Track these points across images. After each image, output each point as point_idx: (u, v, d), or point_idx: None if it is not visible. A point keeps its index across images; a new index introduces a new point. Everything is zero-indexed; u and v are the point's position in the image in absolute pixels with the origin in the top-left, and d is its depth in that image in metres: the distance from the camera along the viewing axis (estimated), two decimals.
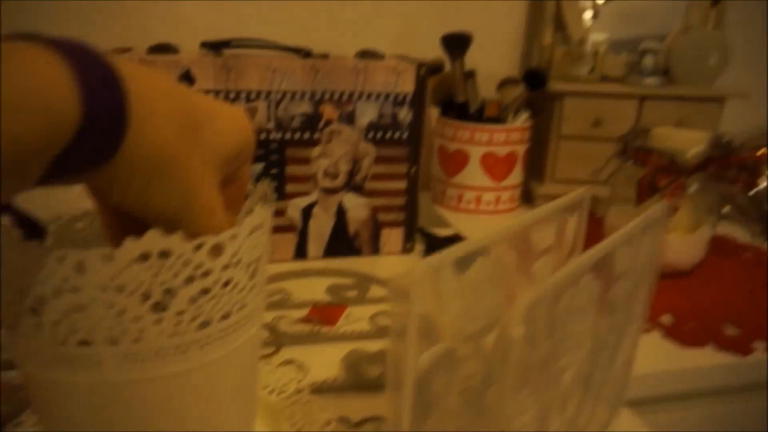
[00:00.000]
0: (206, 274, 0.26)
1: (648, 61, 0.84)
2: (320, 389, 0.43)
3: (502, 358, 0.20)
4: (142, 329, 0.25)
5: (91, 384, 0.26)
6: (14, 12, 0.81)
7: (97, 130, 0.20)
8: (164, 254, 0.25)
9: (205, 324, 0.27)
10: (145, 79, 0.23)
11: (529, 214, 0.30)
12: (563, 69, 0.86)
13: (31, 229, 0.26)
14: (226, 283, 0.27)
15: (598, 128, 0.86)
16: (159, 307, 0.25)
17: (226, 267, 0.27)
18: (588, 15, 0.92)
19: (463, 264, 0.25)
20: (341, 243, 0.69)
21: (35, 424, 0.37)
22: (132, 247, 0.24)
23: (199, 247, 0.25)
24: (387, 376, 0.23)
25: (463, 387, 0.29)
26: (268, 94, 0.62)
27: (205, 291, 0.26)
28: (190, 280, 0.26)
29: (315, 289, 0.60)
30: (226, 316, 0.28)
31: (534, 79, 0.82)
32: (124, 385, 0.26)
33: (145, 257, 0.24)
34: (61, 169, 0.21)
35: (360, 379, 0.44)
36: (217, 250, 0.26)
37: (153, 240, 0.24)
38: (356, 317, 0.55)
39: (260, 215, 0.29)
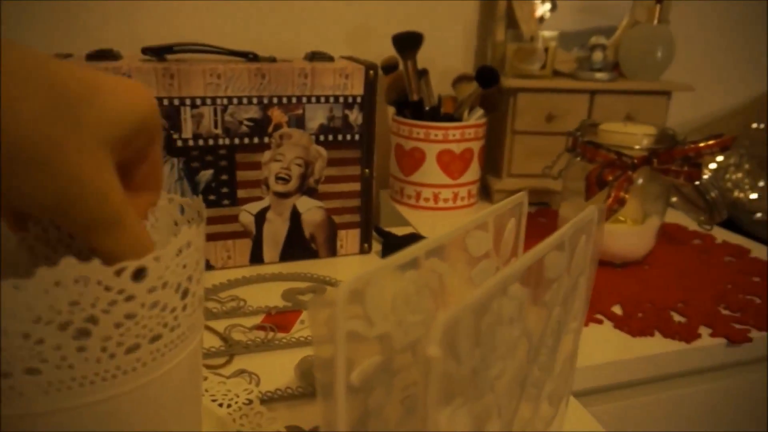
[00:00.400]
0: (130, 298, 0.26)
1: (597, 56, 0.85)
2: (272, 398, 0.43)
3: (423, 376, 0.20)
4: (64, 357, 0.25)
5: (15, 416, 0.25)
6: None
7: None
8: (81, 280, 0.24)
9: (133, 348, 0.26)
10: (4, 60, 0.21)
11: (466, 220, 0.30)
12: (516, 65, 0.87)
13: None
14: (154, 305, 0.27)
15: (552, 123, 0.87)
16: (82, 333, 0.25)
17: (152, 290, 0.26)
18: (547, 8, 0.93)
19: (400, 272, 0.25)
20: (297, 246, 0.68)
21: None
22: (45, 275, 0.23)
23: (119, 272, 0.25)
24: (318, 392, 0.23)
25: (404, 396, 0.29)
26: (214, 99, 0.61)
27: (130, 316, 0.26)
28: (112, 304, 0.25)
29: (270, 295, 0.60)
30: (156, 338, 0.27)
31: (487, 76, 0.83)
32: (50, 415, 0.26)
33: (58, 284, 0.24)
34: None
35: (313, 385, 0.44)
36: (140, 274, 0.26)
37: (68, 268, 0.23)
38: None
39: (187, 235, 0.28)
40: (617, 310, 0.61)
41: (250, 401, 0.40)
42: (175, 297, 0.28)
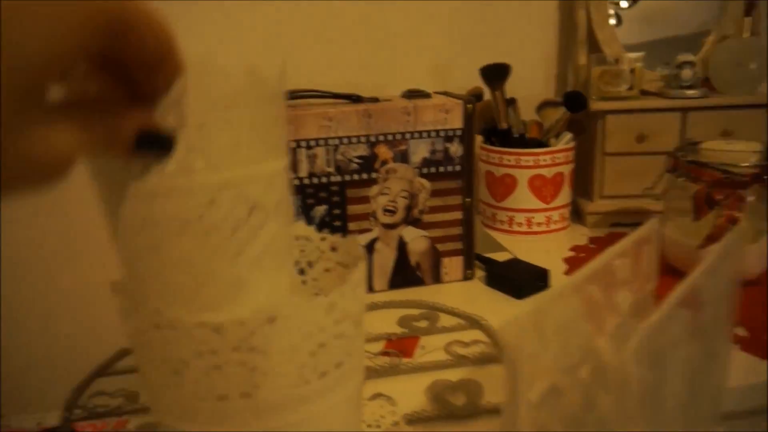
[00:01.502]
0: (322, 330, 0.29)
1: (687, 73, 0.85)
2: (411, 421, 0.45)
3: (619, 393, 0.22)
4: (271, 383, 0.28)
5: None
6: None
7: None
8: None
9: (323, 374, 0.30)
10: None
11: (608, 250, 0.32)
12: (601, 88, 0.88)
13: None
14: (339, 336, 0.30)
15: (643, 143, 0.87)
16: (284, 363, 0.28)
17: (337, 321, 0.30)
18: (611, 22, 0.94)
19: (556, 303, 0.27)
20: (404, 274, 0.72)
21: None
22: (261, 311, 0.27)
23: (315, 308, 0.28)
24: (502, 416, 0.26)
25: (564, 414, 0.31)
26: (327, 140, 0.65)
27: (322, 345, 0.29)
28: (309, 336, 0.29)
29: (386, 322, 0.63)
30: (339, 365, 0.31)
31: (575, 101, 0.84)
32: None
33: (271, 320, 0.27)
34: None
35: (447, 409, 0.47)
36: (330, 308, 0.29)
37: (279, 306, 0.27)
38: (431, 347, 0.57)
39: (361, 270, 0.32)
40: (740, 332, 0.60)
41: (397, 423, 0.43)
42: (353, 327, 0.31)
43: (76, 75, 0.24)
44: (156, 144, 0.25)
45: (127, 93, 0.25)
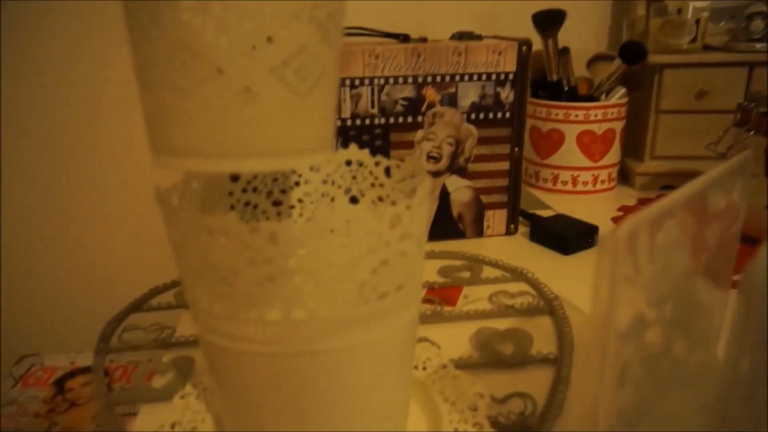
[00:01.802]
0: (387, 244, 0.27)
1: (757, 25, 0.79)
2: (458, 366, 0.43)
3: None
4: (328, 298, 0.26)
5: (279, 354, 0.27)
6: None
7: None
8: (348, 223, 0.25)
9: (383, 295, 0.28)
10: None
11: (702, 177, 0.29)
12: (661, 40, 0.82)
13: None
14: (402, 254, 0.28)
15: (703, 101, 0.81)
16: (344, 277, 0.26)
17: (402, 237, 0.27)
18: None
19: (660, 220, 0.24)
20: (445, 226, 0.69)
21: (200, 395, 0.39)
22: (321, 218, 0.24)
23: (381, 217, 0.26)
24: (590, 339, 0.23)
25: (644, 355, 0.28)
26: (372, 80, 0.62)
27: (384, 262, 0.27)
28: (372, 250, 0.26)
29: (427, 271, 0.60)
30: (400, 288, 0.28)
31: (632, 52, 0.79)
32: (308, 355, 0.27)
33: (333, 230, 0.25)
34: None
35: (494, 356, 0.44)
36: (395, 221, 0.27)
37: (341, 211, 0.25)
38: (474, 297, 0.55)
39: (426, 186, 0.29)
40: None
41: (444, 365, 0.40)
42: (416, 247, 0.29)
43: None
44: None
45: None
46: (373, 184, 0.37)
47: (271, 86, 0.24)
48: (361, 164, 0.37)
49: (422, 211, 0.29)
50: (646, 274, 0.25)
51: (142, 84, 0.26)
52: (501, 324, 0.50)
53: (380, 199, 0.37)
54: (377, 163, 0.37)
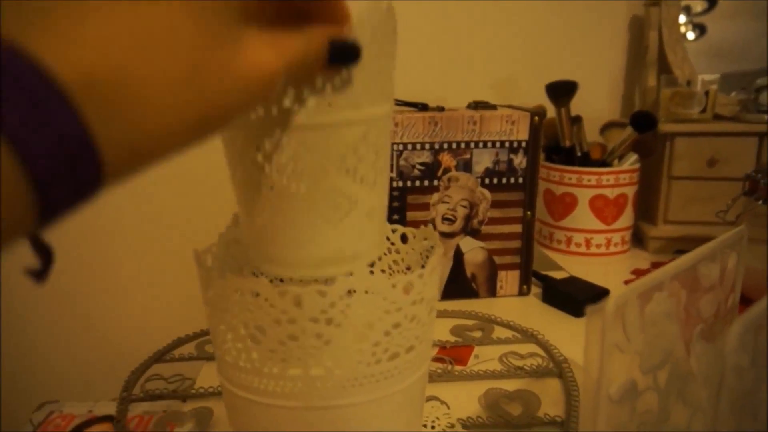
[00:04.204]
0: (399, 309, 0.29)
1: (765, 96, 0.82)
2: (466, 426, 0.44)
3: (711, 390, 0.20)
4: (343, 358, 0.28)
5: (295, 408, 0.29)
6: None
7: (63, 181, 0.16)
8: (369, 291, 0.28)
9: (394, 356, 0.30)
10: (101, 53, 0.16)
11: (694, 251, 0.31)
12: (672, 110, 0.86)
13: (42, 249, 0.20)
14: (413, 318, 0.30)
15: (714, 168, 0.84)
16: (359, 339, 0.28)
17: (413, 303, 0.30)
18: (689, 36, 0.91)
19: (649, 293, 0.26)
20: (459, 285, 0.71)
21: None
22: (342, 284, 0.27)
23: (395, 285, 0.28)
24: (581, 398, 0.25)
25: (640, 421, 0.29)
26: (392, 146, 0.66)
27: (396, 325, 0.29)
28: (387, 313, 0.28)
29: (439, 331, 0.62)
30: (410, 349, 0.30)
31: (642, 121, 0.82)
32: (321, 411, 0.29)
33: (350, 293, 0.27)
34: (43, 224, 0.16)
35: (502, 417, 0.45)
36: (408, 288, 0.29)
37: (360, 279, 0.27)
38: (485, 357, 0.56)
39: (438, 255, 0.31)
40: None
41: (452, 425, 0.42)
42: (426, 312, 0.31)
43: None
44: (346, 53, 0.24)
45: (296, 12, 0.24)
46: (389, 250, 0.40)
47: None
48: None
49: (433, 279, 0.31)
50: (638, 343, 0.26)
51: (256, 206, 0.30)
52: (510, 385, 0.51)
53: (395, 263, 0.40)
54: (394, 230, 0.40)
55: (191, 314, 0.77)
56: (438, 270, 0.32)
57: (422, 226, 0.38)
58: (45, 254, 0.19)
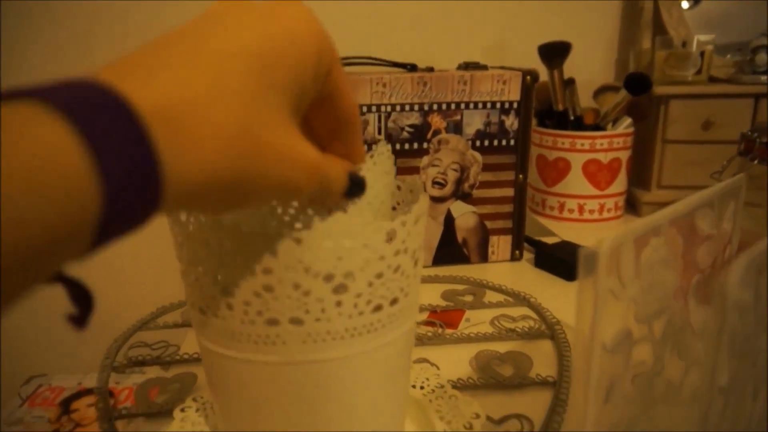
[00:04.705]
0: (381, 258, 0.27)
1: (762, 58, 0.80)
2: (456, 387, 0.43)
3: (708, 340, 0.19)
4: (323, 310, 0.27)
5: (274, 363, 0.28)
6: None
7: (124, 204, 0.16)
8: (348, 236, 0.26)
9: (377, 308, 0.28)
10: (172, 85, 0.18)
11: (692, 196, 0.30)
12: (667, 72, 0.84)
13: (81, 295, 0.22)
14: (396, 269, 0.28)
15: (709, 131, 0.82)
16: (341, 288, 0.27)
17: (397, 252, 0.28)
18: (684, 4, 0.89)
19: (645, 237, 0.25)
20: (450, 251, 0.69)
21: (200, 408, 0.39)
22: (320, 229, 0.25)
23: (376, 231, 0.27)
24: (573, 352, 0.23)
25: (635, 373, 0.28)
26: (379, 107, 0.64)
27: (379, 276, 0.28)
28: (368, 262, 0.27)
29: (430, 295, 0.61)
30: (394, 302, 0.29)
31: (637, 83, 0.80)
32: (303, 365, 0.28)
33: (329, 239, 0.26)
34: (105, 235, 0.17)
35: (494, 378, 0.44)
36: (390, 236, 0.27)
37: (339, 223, 0.25)
38: (476, 320, 0.55)
39: (423, 203, 0.30)
40: None
41: (442, 385, 0.41)
42: (411, 263, 0.29)
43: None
44: (360, 188, 0.27)
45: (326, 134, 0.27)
46: (370, 203, 0.38)
47: None
48: None
49: (418, 229, 0.30)
50: (633, 290, 0.25)
51: None
52: (502, 347, 0.50)
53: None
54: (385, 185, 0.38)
55: (178, 285, 0.76)
56: (424, 220, 0.30)
57: (408, 178, 0.36)
58: (85, 300, 0.21)
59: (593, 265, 0.22)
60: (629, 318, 0.26)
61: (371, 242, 0.26)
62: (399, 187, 0.36)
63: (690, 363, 0.33)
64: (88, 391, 0.93)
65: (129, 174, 0.16)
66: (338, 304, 0.27)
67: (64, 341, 1.07)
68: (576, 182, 0.84)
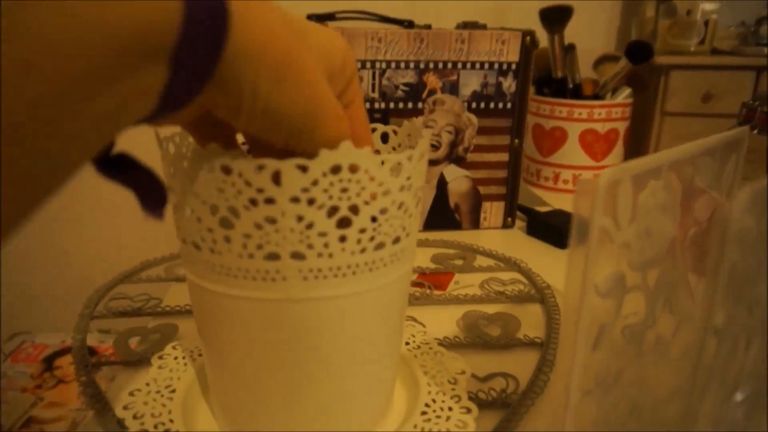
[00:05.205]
0: (387, 192, 0.26)
1: (765, 29, 0.78)
2: (442, 344, 0.42)
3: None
4: (326, 245, 0.25)
5: (271, 300, 0.26)
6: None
7: (199, 22, 0.18)
8: (352, 168, 0.25)
9: (380, 246, 0.27)
10: None
11: (694, 142, 0.28)
12: (669, 41, 0.82)
13: (153, 186, 0.23)
14: (401, 206, 0.27)
15: (709, 103, 0.81)
16: (345, 222, 0.26)
17: (401, 188, 0.27)
18: None
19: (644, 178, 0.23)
20: (441, 215, 0.68)
21: (182, 353, 0.38)
22: (326, 158, 0.24)
23: (383, 162, 0.25)
24: (565, 294, 0.22)
25: (625, 324, 0.27)
26: (374, 63, 0.62)
27: (383, 211, 0.26)
28: (373, 196, 0.26)
29: (420, 258, 0.60)
30: (396, 240, 0.28)
31: (638, 51, 0.78)
32: (301, 303, 0.27)
33: (336, 170, 0.24)
34: (178, 80, 0.18)
35: (480, 337, 0.44)
36: (396, 169, 0.26)
37: (345, 152, 0.24)
38: (465, 283, 0.54)
39: (426, 141, 0.29)
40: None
41: (428, 342, 0.40)
42: (414, 202, 0.28)
43: None
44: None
45: None
46: None
47: None
48: None
49: (422, 167, 0.28)
50: (628, 233, 0.24)
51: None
52: (490, 309, 0.49)
53: None
54: (374, 129, 0.36)
55: (163, 241, 0.75)
56: (426, 159, 0.29)
57: (405, 122, 0.35)
58: (157, 190, 0.23)
59: (589, 198, 0.21)
60: (623, 263, 0.25)
61: (378, 174, 0.25)
62: (395, 132, 0.35)
63: (683, 320, 0.32)
64: (71, 349, 0.93)
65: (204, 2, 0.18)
66: (342, 239, 0.26)
67: (48, 299, 1.06)
68: (572, 152, 0.83)
